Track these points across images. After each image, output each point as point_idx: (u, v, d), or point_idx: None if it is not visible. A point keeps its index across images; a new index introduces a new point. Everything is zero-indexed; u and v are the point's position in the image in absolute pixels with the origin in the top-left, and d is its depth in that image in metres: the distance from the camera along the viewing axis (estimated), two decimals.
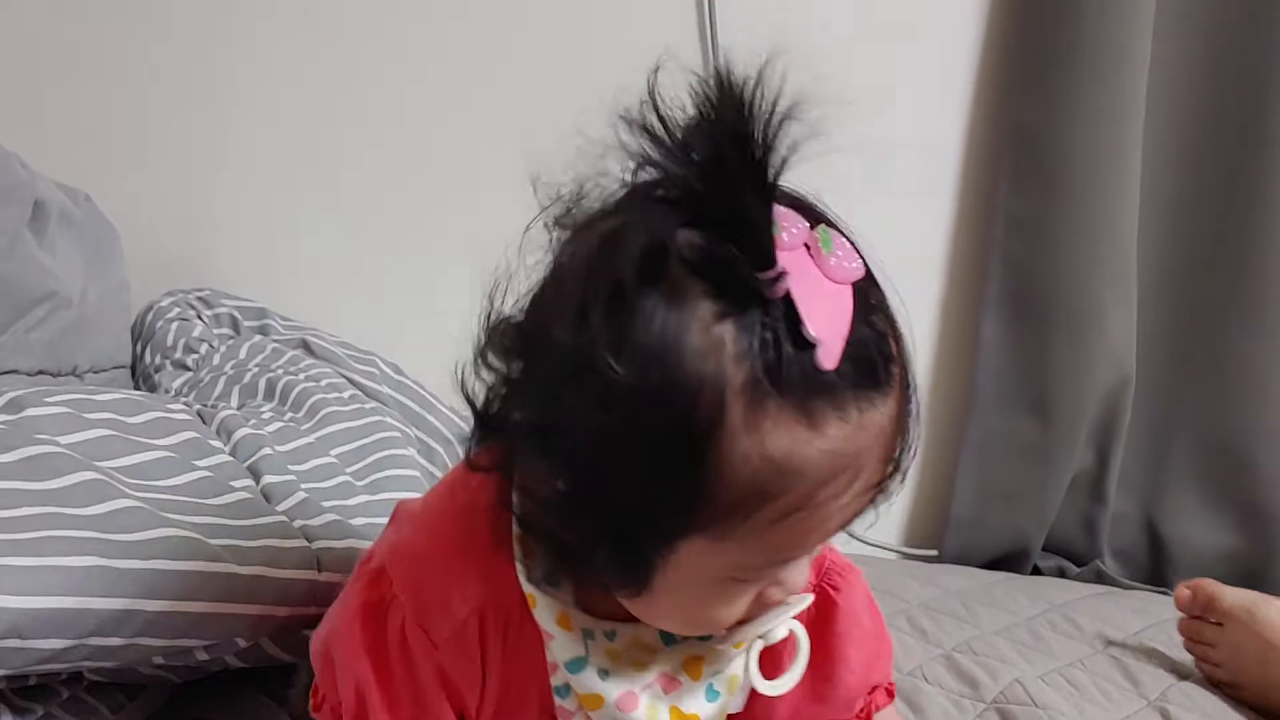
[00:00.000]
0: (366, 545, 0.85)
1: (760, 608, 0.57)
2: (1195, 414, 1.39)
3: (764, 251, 0.47)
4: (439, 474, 1.33)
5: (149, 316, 1.23)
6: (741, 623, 0.57)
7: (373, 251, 1.40)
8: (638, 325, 0.46)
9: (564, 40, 1.37)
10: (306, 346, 1.24)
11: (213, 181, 1.35)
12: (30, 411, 0.81)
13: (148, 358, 1.19)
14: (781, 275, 0.47)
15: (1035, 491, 1.38)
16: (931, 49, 1.39)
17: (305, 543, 0.81)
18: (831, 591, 0.66)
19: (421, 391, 1.34)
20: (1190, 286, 1.38)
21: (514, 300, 0.54)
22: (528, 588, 0.58)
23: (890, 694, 0.73)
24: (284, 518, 0.82)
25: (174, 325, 1.20)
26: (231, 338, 1.22)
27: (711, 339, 0.46)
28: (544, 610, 0.59)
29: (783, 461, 0.48)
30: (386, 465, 0.97)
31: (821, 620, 0.65)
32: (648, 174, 0.49)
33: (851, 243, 0.51)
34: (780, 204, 0.49)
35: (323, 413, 1.01)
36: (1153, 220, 1.36)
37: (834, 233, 0.50)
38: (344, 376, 1.18)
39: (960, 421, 1.39)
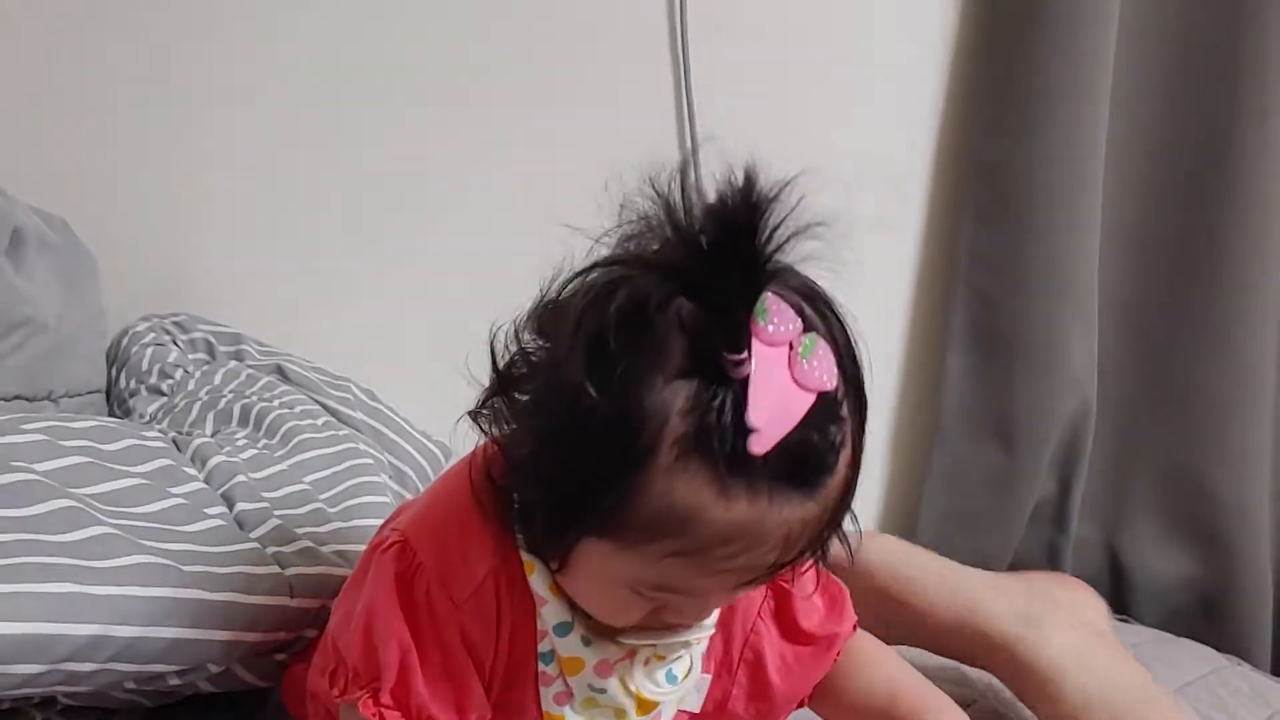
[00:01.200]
0: (339, 571, 0.87)
1: (658, 623, 0.64)
2: (1156, 443, 1.42)
3: (737, 336, 0.53)
4: (409, 496, 1.34)
5: (124, 341, 1.24)
6: (643, 628, 0.64)
7: (348, 279, 1.41)
8: (620, 355, 0.53)
9: (554, 77, 1.39)
10: (281, 372, 1.25)
11: (189, 207, 1.36)
12: (7, 439, 0.82)
13: (123, 382, 1.19)
14: (744, 362, 0.53)
15: (999, 518, 1.40)
16: (897, 87, 1.43)
17: (278, 569, 0.82)
18: (781, 585, 0.73)
19: (395, 418, 1.35)
20: (1151, 318, 1.41)
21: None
22: (526, 556, 0.64)
23: (854, 628, 0.77)
24: (257, 544, 0.83)
25: (149, 350, 1.21)
26: (207, 363, 1.23)
27: (670, 390, 0.53)
28: (539, 577, 0.64)
29: (685, 513, 0.54)
30: (359, 492, 0.99)
31: (780, 603, 0.73)
32: (662, 235, 0.55)
33: (843, 350, 0.57)
34: (788, 296, 0.55)
35: (296, 439, 1.02)
36: (1114, 254, 1.40)
37: (820, 343, 0.55)
38: (318, 402, 1.19)
39: (925, 449, 1.41)
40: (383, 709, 0.65)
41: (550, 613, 0.65)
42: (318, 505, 0.93)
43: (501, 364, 0.61)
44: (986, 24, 1.38)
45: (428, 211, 1.41)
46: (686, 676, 0.70)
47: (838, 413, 0.56)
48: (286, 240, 1.40)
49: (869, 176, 1.34)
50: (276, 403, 1.09)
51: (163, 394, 1.16)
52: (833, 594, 0.77)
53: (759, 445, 0.53)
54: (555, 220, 1.45)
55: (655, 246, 0.56)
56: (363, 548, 0.91)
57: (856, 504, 0.64)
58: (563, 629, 0.65)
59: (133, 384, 1.18)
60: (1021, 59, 1.35)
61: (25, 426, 0.83)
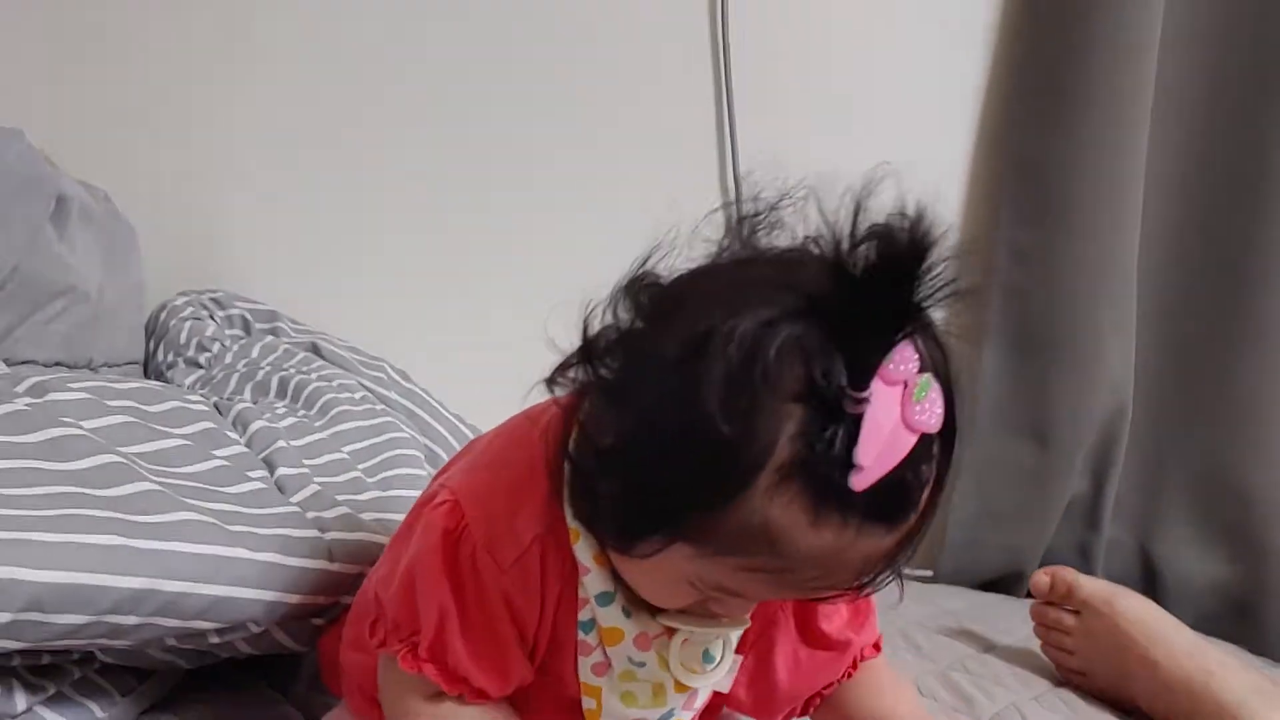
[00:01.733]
0: (377, 539, 0.87)
1: (702, 610, 0.64)
2: (1191, 444, 1.41)
3: (863, 377, 0.52)
4: (461, 450, 1.34)
5: (163, 315, 1.25)
6: (683, 612, 0.64)
7: (385, 259, 1.42)
8: (740, 369, 0.53)
9: (597, 63, 1.40)
10: (316, 350, 1.26)
11: (229, 184, 1.37)
12: (53, 396, 0.82)
13: (160, 354, 1.20)
14: (865, 401, 0.52)
15: (1031, 516, 1.40)
16: (936, 82, 1.43)
17: (318, 534, 0.82)
18: None
19: (428, 398, 1.35)
20: (1189, 318, 1.40)
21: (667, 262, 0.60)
22: (573, 523, 0.64)
23: (877, 648, 0.78)
24: (298, 508, 0.83)
25: (187, 324, 1.21)
26: (243, 338, 1.23)
27: (784, 412, 0.53)
28: (584, 546, 0.64)
29: (774, 535, 0.55)
30: (397, 464, 0.99)
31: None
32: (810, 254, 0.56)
33: (951, 394, 0.56)
34: (913, 337, 0.54)
35: (335, 411, 1.02)
36: (1153, 252, 1.39)
37: (934, 385, 0.54)
38: (357, 381, 1.19)
39: (959, 445, 1.40)
40: (421, 663, 0.65)
41: (593, 582, 0.65)
42: (356, 474, 0.93)
43: (594, 336, 0.59)
44: (1027, 19, 1.38)
45: (471, 196, 1.42)
46: (721, 660, 0.69)
47: (932, 451, 0.56)
48: (325, 221, 1.41)
49: (906, 171, 1.34)
50: (315, 376, 1.10)
51: (200, 366, 1.17)
52: (859, 604, 0.76)
53: (860, 482, 0.52)
54: (597, 212, 1.45)
55: (798, 261, 0.56)
56: (400, 517, 0.92)
57: None
58: (604, 599, 0.65)
59: (170, 356, 1.19)
60: (1063, 55, 1.35)
61: (71, 385, 0.84)
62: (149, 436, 0.82)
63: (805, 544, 0.55)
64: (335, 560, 0.82)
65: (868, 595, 0.64)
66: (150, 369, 1.22)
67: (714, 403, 0.52)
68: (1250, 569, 1.38)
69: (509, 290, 1.44)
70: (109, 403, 0.83)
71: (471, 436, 1.38)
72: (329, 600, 0.82)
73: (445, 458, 1.32)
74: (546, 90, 1.40)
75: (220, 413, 0.93)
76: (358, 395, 1.10)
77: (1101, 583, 1.11)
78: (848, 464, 0.52)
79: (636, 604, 0.66)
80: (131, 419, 0.82)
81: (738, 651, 0.72)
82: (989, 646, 1.19)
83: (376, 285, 1.43)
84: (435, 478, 0.73)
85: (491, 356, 1.44)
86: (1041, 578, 1.11)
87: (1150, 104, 1.35)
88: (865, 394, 0.52)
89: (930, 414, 0.54)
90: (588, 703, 0.69)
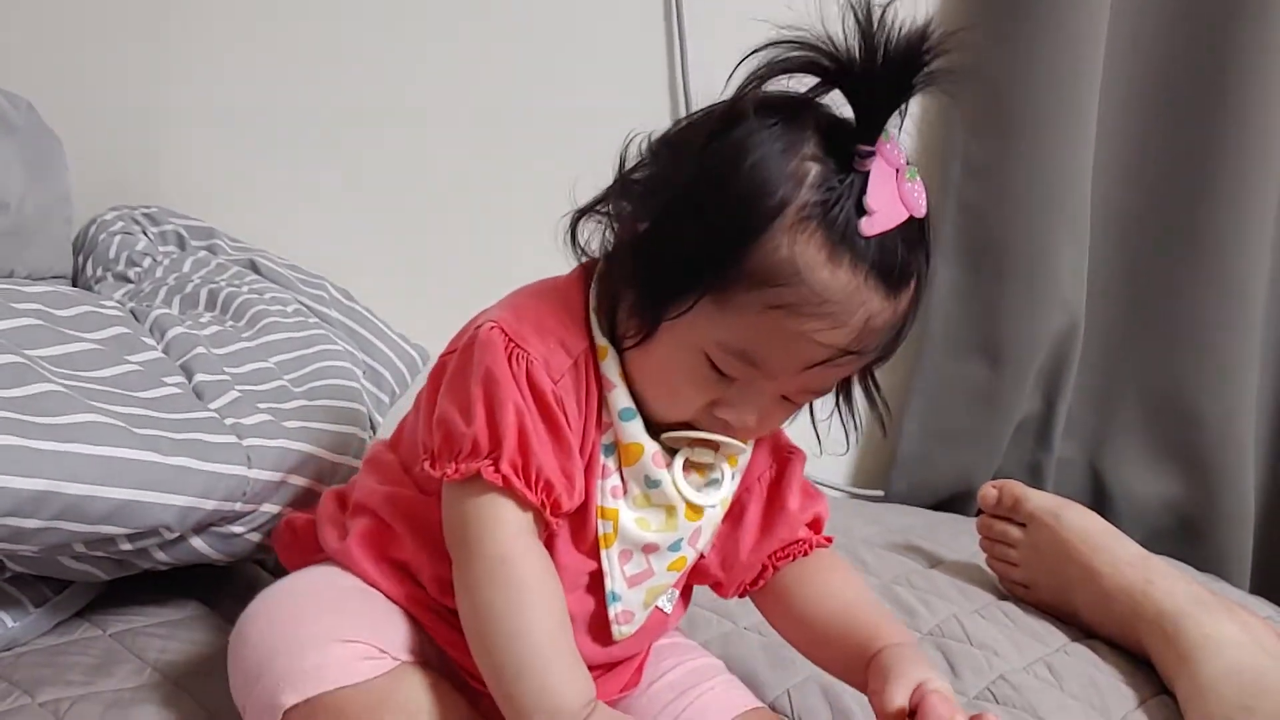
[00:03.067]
0: (299, 446, 0.85)
1: (708, 419, 0.68)
2: (1142, 363, 1.40)
3: (871, 133, 0.62)
4: (385, 398, 1.32)
5: (92, 230, 1.21)
6: (688, 426, 0.69)
7: (326, 176, 1.38)
8: (762, 129, 0.62)
9: None
10: (254, 267, 1.23)
11: (163, 98, 1.33)
12: None
13: (89, 270, 1.17)
14: (871, 155, 0.62)
15: (982, 434, 1.39)
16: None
17: (235, 439, 0.80)
18: (788, 454, 0.79)
19: (371, 318, 1.32)
20: (1141, 237, 1.39)
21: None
22: (600, 340, 0.69)
23: (828, 539, 0.81)
24: (215, 414, 0.81)
25: (117, 238, 1.18)
26: (176, 254, 1.20)
27: (803, 165, 0.63)
28: (611, 362, 0.68)
29: (799, 264, 0.62)
30: (326, 375, 0.96)
31: (779, 474, 0.78)
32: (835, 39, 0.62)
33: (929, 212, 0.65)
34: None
35: (264, 322, 1.00)
36: (1108, 169, 1.37)
37: (918, 176, 0.64)
38: (291, 295, 1.17)
39: (910, 364, 1.39)
40: (504, 475, 0.65)
41: (618, 397, 0.68)
42: (282, 383, 0.91)
43: (629, 168, 0.67)
44: None
45: (410, 120, 1.38)
46: (723, 483, 0.72)
47: (919, 244, 0.65)
48: (265, 138, 1.37)
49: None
50: (245, 288, 1.07)
51: (129, 281, 1.13)
52: (807, 488, 0.79)
53: (869, 227, 0.62)
54: (537, 114, 1.40)
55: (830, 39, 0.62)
56: (327, 425, 0.90)
57: (837, 422, 0.73)
58: (628, 414, 0.69)
59: (99, 271, 1.16)
60: None
61: None
62: (56, 340, 0.79)
63: (821, 279, 0.62)
64: (253, 466, 0.80)
65: (850, 370, 0.69)
66: (78, 284, 1.18)
67: (745, 158, 0.62)
68: (1198, 487, 1.38)
69: (454, 212, 1.41)
70: (15, 305, 0.80)
71: (416, 355, 1.36)
72: (248, 507, 0.80)
73: (388, 376, 1.30)
74: (498, 31, 1.36)
75: (137, 319, 0.90)
76: (290, 309, 1.07)
77: (1048, 495, 1.10)
78: (860, 209, 0.62)
79: (652, 428, 0.69)
80: (38, 322, 0.79)
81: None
82: (935, 562, 1.18)
83: (320, 203, 1.40)
84: (466, 326, 0.72)
85: (436, 278, 1.42)
86: (989, 490, 1.11)
87: (1106, 19, 1.32)
88: (872, 149, 0.62)
89: (918, 196, 0.64)
90: (604, 526, 0.70)
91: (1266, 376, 1.41)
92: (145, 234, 1.22)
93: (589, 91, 1.38)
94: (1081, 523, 1.06)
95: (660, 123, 1.37)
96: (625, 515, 0.69)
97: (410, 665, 0.67)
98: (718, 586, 0.80)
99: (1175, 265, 1.38)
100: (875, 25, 0.61)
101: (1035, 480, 1.41)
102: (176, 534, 0.76)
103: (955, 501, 1.40)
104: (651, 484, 0.69)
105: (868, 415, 0.76)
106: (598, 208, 0.68)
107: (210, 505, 0.76)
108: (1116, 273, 1.40)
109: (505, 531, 0.65)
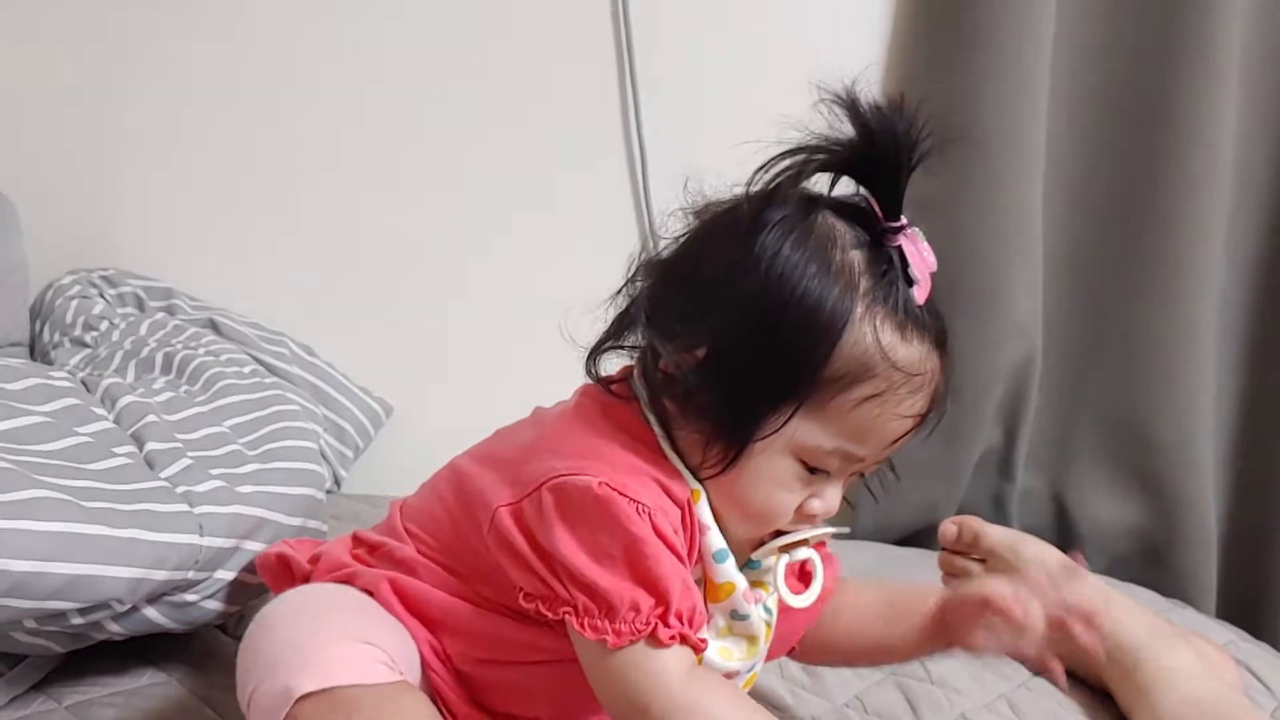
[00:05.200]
0: (252, 511, 0.85)
1: (799, 518, 0.70)
2: (1100, 391, 1.41)
3: (895, 208, 0.66)
4: (349, 453, 1.32)
5: (49, 295, 1.22)
6: (780, 533, 0.70)
7: (286, 232, 1.39)
8: (797, 235, 0.64)
9: (485, 29, 1.37)
10: (214, 326, 1.23)
11: (118, 162, 1.34)
12: None
13: (46, 335, 1.17)
14: (902, 228, 0.66)
15: (944, 468, 1.39)
16: (840, 31, 1.41)
17: (187, 507, 0.80)
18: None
19: (333, 372, 1.33)
20: (1094, 265, 1.40)
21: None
22: (693, 484, 0.69)
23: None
24: (166, 483, 0.81)
25: (74, 303, 1.18)
26: (134, 316, 1.20)
27: (847, 258, 0.65)
28: (704, 506, 0.69)
29: (886, 348, 0.65)
30: (282, 436, 0.96)
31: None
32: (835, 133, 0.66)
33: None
34: None
35: (219, 385, 1.00)
36: (1057, 201, 1.38)
37: (920, 232, 0.68)
38: (249, 355, 1.17)
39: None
40: (680, 632, 0.65)
41: (713, 539, 0.69)
42: (236, 447, 0.91)
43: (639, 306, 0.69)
44: None
45: (371, 175, 1.39)
46: (816, 578, 0.75)
47: (936, 303, 0.68)
48: (223, 197, 1.38)
49: (812, 119, 1.33)
50: (202, 350, 1.07)
51: (86, 345, 1.14)
52: (828, 555, 0.82)
53: (922, 295, 0.66)
54: (495, 170, 1.42)
55: (829, 144, 0.66)
56: (282, 489, 0.90)
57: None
58: (722, 555, 0.70)
59: (56, 336, 1.16)
60: (965, 5, 1.33)
61: None
62: (4, 415, 0.79)
63: (904, 356, 0.65)
64: (206, 534, 0.80)
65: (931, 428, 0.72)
66: (36, 351, 1.18)
67: (794, 272, 0.64)
68: (1161, 514, 1.39)
69: (416, 267, 1.42)
70: None
71: (379, 409, 1.37)
72: (201, 575, 0.80)
73: (351, 430, 1.30)
74: (446, 63, 1.37)
75: (88, 389, 0.90)
76: (246, 369, 1.07)
77: (1006, 530, 1.11)
78: (909, 280, 0.66)
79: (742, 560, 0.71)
80: None
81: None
82: None
83: (279, 259, 1.40)
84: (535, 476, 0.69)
85: (394, 330, 1.42)
86: (949, 526, 1.11)
87: (1049, 50, 1.34)
88: (901, 223, 0.66)
89: (929, 254, 0.68)
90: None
91: (1223, 401, 1.42)
92: (103, 297, 1.23)
93: (548, 145, 1.39)
94: (1040, 557, 1.07)
95: (614, 171, 1.39)
96: (710, 647, 0.70)
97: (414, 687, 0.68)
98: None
99: (1128, 293, 1.39)
100: (868, 109, 0.65)
101: (999, 512, 1.42)
102: (128, 606, 0.76)
103: (921, 535, 1.40)
104: (739, 617, 0.71)
105: None
106: (621, 343, 0.70)
107: (162, 575, 0.76)
108: (1071, 303, 1.41)
109: (679, 678, 0.65)
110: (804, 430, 0.66)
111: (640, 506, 0.65)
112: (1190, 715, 0.90)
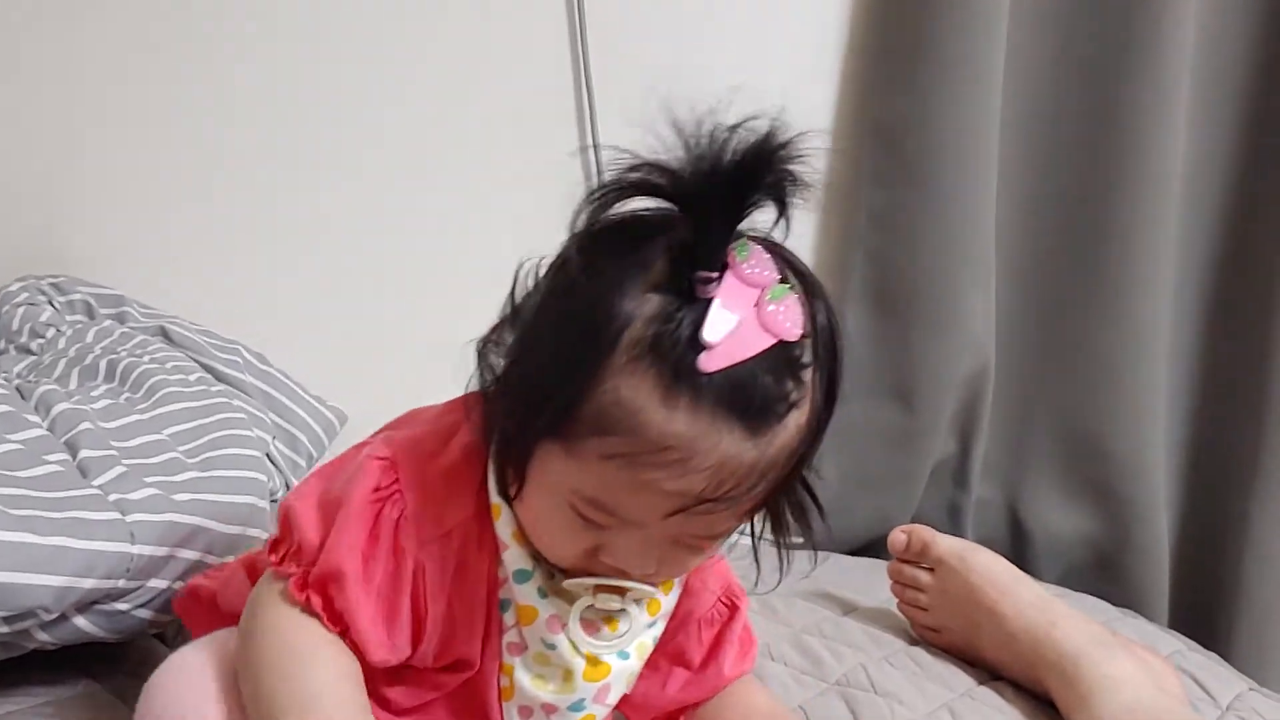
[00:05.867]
0: (188, 519, 0.85)
1: (599, 567, 0.64)
2: (1053, 403, 1.43)
3: (712, 257, 0.56)
4: (302, 462, 1.32)
5: None
6: (587, 572, 0.65)
7: (241, 239, 1.38)
8: (608, 256, 0.58)
9: (440, 32, 1.37)
10: (165, 334, 1.22)
11: (66, 165, 1.33)
12: None
13: None
14: (713, 282, 0.56)
15: (899, 478, 1.40)
16: (795, 48, 1.42)
17: (118, 515, 0.79)
18: (731, 605, 0.76)
19: (286, 381, 1.32)
20: (1047, 277, 1.42)
21: None
22: (495, 499, 0.65)
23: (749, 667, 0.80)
24: (98, 491, 0.81)
25: (20, 310, 1.17)
26: (82, 323, 1.19)
27: (644, 299, 0.57)
28: (504, 523, 0.65)
29: (628, 411, 0.57)
30: (224, 444, 0.96)
31: (725, 622, 0.76)
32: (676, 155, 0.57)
33: (820, 333, 0.60)
34: (776, 258, 0.59)
35: (161, 393, 0.99)
36: (1010, 214, 1.40)
37: (791, 297, 0.58)
38: (198, 362, 1.16)
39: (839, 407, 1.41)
40: (309, 592, 0.64)
41: (511, 559, 0.66)
42: (174, 455, 0.90)
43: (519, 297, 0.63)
44: None
45: (320, 171, 1.39)
46: (628, 633, 0.68)
47: (797, 370, 0.58)
48: (173, 201, 1.37)
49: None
50: (146, 358, 1.06)
51: (32, 353, 1.13)
52: (744, 639, 0.78)
53: (708, 362, 0.56)
54: (461, 174, 1.40)
55: (659, 171, 0.58)
56: (220, 497, 0.90)
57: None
58: (521, 576, 0.66)
59: (1, 344, 1.15)
60: (918, 20, 1.35)
61: None
62: None
63: (657, 424, 0.56)
64: (137, 542, 0.79)
65: (731, 514, 0.63)
66: None
67: (582, 288, 0.58)
68: (1113, 524, 1.40)
69: (367, 268, 1.41)
70: None
71: (333, 418, 1.36)
72: (133, 584, 0.80)
73: (304, 439, 1.29)
74: (396, 64, 1.37)
75: (22, 395, 0.89)
76: (192, 377, 1.07)
77: (956, 540, 1.12)
78: (696, 344, 0.56)
79: (551, 585, 0.66)
80: None
81: (653, 656, 0.72)
82: (849, 609, 1.19)
83: (232, 267, 1.40)
84: (383, 428, 0.72)
85: (350, 338, 1.42)
86: (899, 535, 1.12)
87: (1002, 65, 1.35)
88: (713, 275, 0.56)
89: (785, 318, 0.57)
90: (504, 680, 0.69)
91: (1174, 412, 1.43)
92: (52, 304, 1.22)
93: (506, 154, 1.39)
94: (988, 566, 1.08)
95: (573, 175, 1.39)
96: (520, 674, 0.68)
97: None
98: (628, 713, 0.78)
99: (1081, 305, 1.40)
100: (713, 134, 0.56)
101: (954, 521, 1.43)
102: (55, 614, 0.76)
103: (875, 545, 1.41)
104: (549, 645, 0.67)
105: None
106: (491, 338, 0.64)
107: (89, 584, 0.76)
108: (1024, 314, 1.43)
109: (305, 625, 0.64)
110: (563, 471, 0.60)
111: (394, 496, 0.64)
112: None
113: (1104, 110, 1.37)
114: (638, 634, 0.69)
